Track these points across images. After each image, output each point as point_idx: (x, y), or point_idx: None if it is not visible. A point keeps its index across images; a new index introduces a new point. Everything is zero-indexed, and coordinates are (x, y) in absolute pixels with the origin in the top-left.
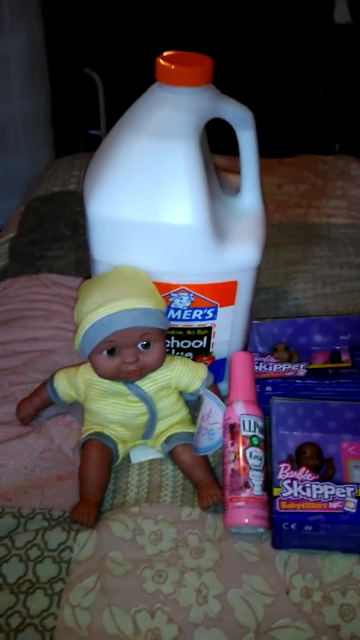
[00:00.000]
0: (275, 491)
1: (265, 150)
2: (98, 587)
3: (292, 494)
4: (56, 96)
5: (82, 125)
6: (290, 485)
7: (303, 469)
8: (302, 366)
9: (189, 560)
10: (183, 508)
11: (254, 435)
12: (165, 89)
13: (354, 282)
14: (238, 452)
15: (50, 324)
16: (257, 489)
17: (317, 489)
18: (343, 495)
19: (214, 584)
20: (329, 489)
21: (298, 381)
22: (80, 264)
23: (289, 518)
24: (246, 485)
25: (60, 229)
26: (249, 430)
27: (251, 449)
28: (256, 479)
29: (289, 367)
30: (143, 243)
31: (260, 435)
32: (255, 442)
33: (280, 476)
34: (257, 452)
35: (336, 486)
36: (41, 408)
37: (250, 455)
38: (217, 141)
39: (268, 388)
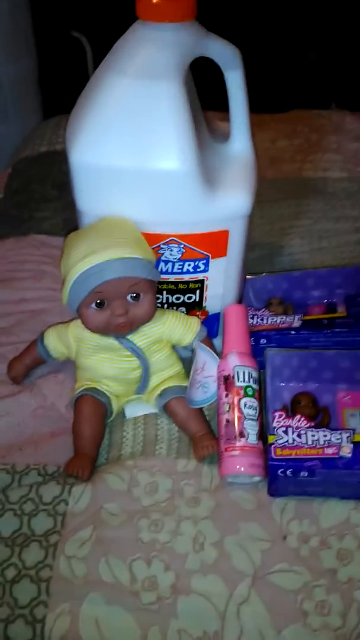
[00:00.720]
0: (270, 439)
1: (261, 110)
2: (94, 538)
3: (287, 441)
4: (43, 61)
5: (70, 91)
6: (285, 432)
7: (298, 416)
8: (296, 318)
9: (185, 509)
10: (179, 460)
11: (248, 386)
12: (147, 26)
13: (350, 235)
14: (232, 403)
15: (40, 284)
16: (252, 437)
17: (313, 435)
18: (339, 441)
19: (211, 532)
20: (325, 435)
21: (293, 332)
22: (69, 224)
23: (285, 465)
24: (241, 434)
25: (48, 189)
26: (243, 381)
27: (245, 399)
28: (251, 428)
29: (283, 319)
30: (129, 191)
31: (255, 386)
32: (250, 393)
33: (275, 424)
34: (252, 402)
35: (332, 432)
36: (32, 366)
37: (245, 405)
38: (210, 98)
39: (262, 340)
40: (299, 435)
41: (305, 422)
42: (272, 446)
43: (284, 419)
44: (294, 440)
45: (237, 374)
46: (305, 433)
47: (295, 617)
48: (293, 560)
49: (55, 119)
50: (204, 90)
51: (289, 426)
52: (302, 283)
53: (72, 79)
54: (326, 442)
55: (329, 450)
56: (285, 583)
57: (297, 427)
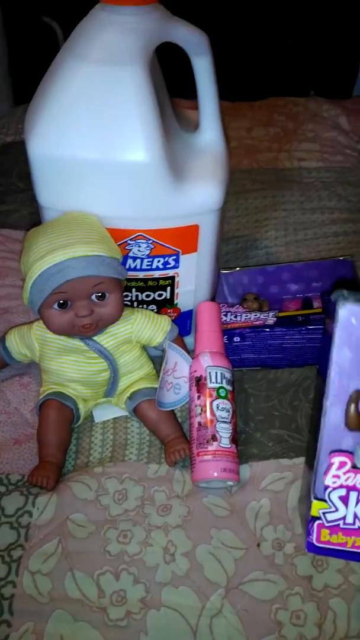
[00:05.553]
0: (316, 507)
1: (238, 98)
2: (59, 552)
3: (342, 519)
4: (13, 47)
5: (42, 78)
6: (345, 500)
7: None
8: (271, 314)
9: (156, 518)
10: (149, 465)
11: (220, 387)
12: (109, 9)
13: (327, 227)
14: (205, 405)
15: (4, 282)
16: (224, 441)
17: None
18: None
19: (182, 542)
20: None
21: (267, 330)
22: (35, 217)
23: (329, 554)
24: (213, 438)
25: (14, 181)
26: (216, 382)
27: (218, 401)
28: (224, 432)
29: (257, 316)
30: (92, 184)
31: (228, 387)
32: (223, 394)
33: (330, 481)
34: (225, 403)
35: None
36: None
37: (218, 408)
38: (181, 85)
39: (236, 338)
40: None
41: None
42: (317, 523)
43: (347, 473)
44: (355, 519)
45: (210, 374)
46: None
47: (269, 628)
48: (267, 568)
49: (22, 108)
50: (173, 77)
51: (354, 489)
52: (277, 277)
53: (43, 65)
54: None
55: None
56: (260, 593)
57: None
